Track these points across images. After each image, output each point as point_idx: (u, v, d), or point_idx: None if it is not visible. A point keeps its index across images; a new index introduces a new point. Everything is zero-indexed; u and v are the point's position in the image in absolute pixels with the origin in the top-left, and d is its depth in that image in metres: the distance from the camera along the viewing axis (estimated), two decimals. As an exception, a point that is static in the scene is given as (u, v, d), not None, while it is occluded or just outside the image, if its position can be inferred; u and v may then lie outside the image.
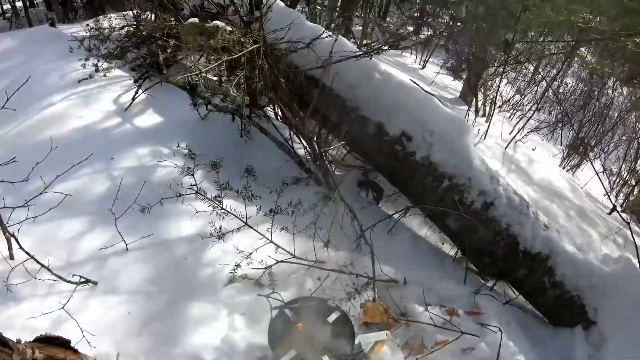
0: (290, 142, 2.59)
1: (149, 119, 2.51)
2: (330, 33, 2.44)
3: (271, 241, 1.93)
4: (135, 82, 2.72)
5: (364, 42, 4.72)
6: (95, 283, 1.80)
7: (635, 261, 2.33)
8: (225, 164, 2.42)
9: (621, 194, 5.42)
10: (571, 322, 2.27)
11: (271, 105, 2.68)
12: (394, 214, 2.42)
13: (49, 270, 1.73)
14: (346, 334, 1.61)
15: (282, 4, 2.80)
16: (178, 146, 2.13)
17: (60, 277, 1.74)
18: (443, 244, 2.87)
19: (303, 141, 2.49)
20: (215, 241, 1.87)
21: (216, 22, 2.16)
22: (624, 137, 7.24)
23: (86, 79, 2.70)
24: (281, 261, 1.95)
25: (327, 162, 2.48)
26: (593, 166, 3.97)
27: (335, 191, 2.37)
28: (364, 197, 2.82)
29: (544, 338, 2.29)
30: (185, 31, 2.15)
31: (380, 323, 1.91)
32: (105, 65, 2.82)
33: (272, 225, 1.91)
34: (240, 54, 1.93)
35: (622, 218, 3.08)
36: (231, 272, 1.85)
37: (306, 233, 2.00)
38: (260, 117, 2.61)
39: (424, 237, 2.92)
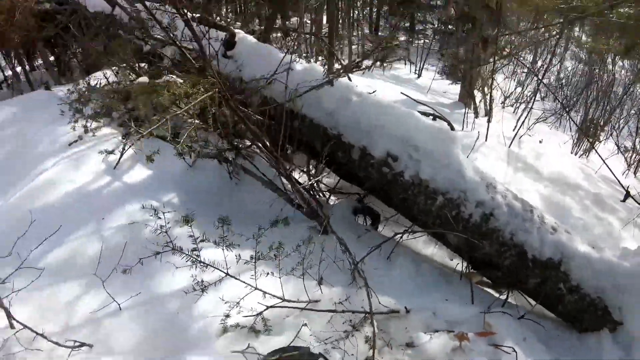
0: (280, 179, 2.54)
1: (138, 174, 2.54)
2: (302, 60, 2.44)
3: (256, 288, 1.86)
4: (123, 138, 2.73)
5: (336, 64, 4.68)
6: (90, 346, 1.79)
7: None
8: (215, 208, 2.43)
9: (640, 170, 5.21)
10: (596, 326, 2.13)
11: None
12: (386, 240, 2.30)
13: (44, 337, 1.75)
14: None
15: (253, 39, 2.80)
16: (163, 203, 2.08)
17: (56, 343, 1.75)
18: (452, 259, 2.75)
19: (284, 177, 2.43)
20: (202, 294, 1.84)
21: (167, 77, 2.15)
22: (632, 111, 6.99)
23: (76, 141, 2.75)
24: (270, 306, 1.87)
25: (317, 194, 2.41)
26: (596, 153, 3.81)
27: (324, 222, 2.27)
28: (362, 224, 2.75)
29: (569, 347, 2.15)
30: (136, 91, 2.13)
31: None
32: (95, 124, 2.86)
33: (255, 272, 1.85)
34: (186, 107, 1.87)
35: (638, 202, 2.91)
36: (221, 323, 1.81)
37: (295, 274, 1.93)
38: (244, 157, 2.59)
39: (430, 255, 2.81)
